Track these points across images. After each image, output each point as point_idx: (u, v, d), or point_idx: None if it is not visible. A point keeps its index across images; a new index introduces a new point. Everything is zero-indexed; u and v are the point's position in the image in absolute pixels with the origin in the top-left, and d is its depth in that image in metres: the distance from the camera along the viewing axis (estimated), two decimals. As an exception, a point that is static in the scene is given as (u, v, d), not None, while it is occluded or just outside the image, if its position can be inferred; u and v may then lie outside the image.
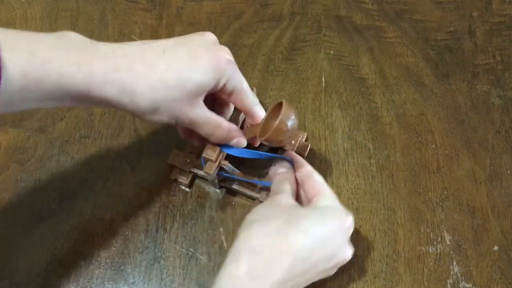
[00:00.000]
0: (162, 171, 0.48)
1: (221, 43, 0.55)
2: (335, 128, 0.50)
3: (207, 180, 0.47)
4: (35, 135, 0.50)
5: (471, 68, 0.54)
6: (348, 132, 0.50)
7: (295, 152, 0.45)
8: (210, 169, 0.42)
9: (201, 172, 0.46)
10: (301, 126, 0.50)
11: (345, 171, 0.48)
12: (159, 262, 0.44)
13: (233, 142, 0.42)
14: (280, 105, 0.40)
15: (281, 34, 0.56)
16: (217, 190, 0.47)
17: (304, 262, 0.36)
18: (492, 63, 0.54)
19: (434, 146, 0.49)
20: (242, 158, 0.44)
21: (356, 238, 0.45)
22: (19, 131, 0.50)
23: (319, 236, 0.36)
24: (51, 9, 0.58)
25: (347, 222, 0.38)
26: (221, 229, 0.46)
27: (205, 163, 0.43)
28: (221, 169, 0.43)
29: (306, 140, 0.49)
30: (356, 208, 0.46)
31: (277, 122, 0.38)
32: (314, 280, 0.38)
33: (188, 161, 0.46)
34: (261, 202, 0.45)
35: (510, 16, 0.57)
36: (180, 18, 0.57)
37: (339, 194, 0.47)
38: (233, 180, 0.46)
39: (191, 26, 0.57)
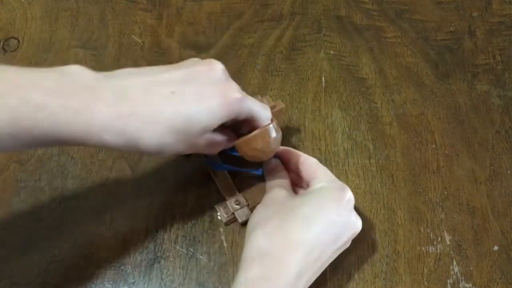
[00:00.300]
0: (162, 171, 0.48)
1: (221, 43, 0.55)
2: (335, 128, 0.50)
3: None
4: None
5: (471, 68, 0.54)
6: (348, 132, 0.50)
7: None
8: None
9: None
10: (301, 126, 0.50)
11: (345, 171, 0.48)
12: (159, 262, 0.44)
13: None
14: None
15: (281, 34, 0.56)
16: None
17: (314, 250, 0.36)
18: (492, 63, 0.54)
19: (434, 146, 0.49)
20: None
21: (356, 238, 0.45)
22: (19, 131, 0.50)
23: (320, 221, 0.36)
24: (51, 9, 0.58)
25: (345, 197, 0.38)
26: (221, 229, 0.46)
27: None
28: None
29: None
30: (356, 208, 0.46)
31: (247, 137, 0.39)
32: (332, 260, 0.39)
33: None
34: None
35: (510, 16, 0.57)
36: (180, 18, 0.57)
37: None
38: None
39: (191, 26, 0.57)
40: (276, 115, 0.45)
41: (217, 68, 0.37)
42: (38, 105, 0.29)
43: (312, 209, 0.37)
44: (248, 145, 0.39)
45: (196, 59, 0.39)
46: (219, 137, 0.38)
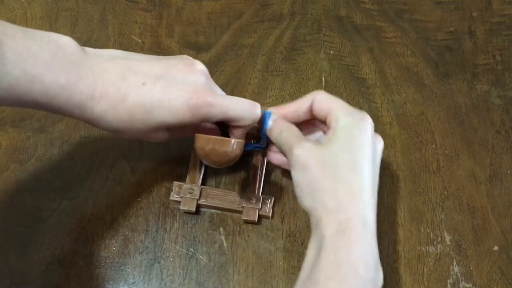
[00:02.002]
0: (162, 171, 0.48)
1: (221, 43, 0.55)
2: (335, 128, 0.50)
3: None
4: (35, 135, 0.50)
5: (471, 68, 0.54)
6: (348, 132, 0.50)
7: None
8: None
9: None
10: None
11: (345, 171, 0.48)
12: (159, 262, 0.44)
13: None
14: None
15: (281, 34, 0.56)
16: None
17: (374, 187, 0.38)
18: (492, 63, 0.54)
19: (434, 146, 0.49)
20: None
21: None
22: (19, 131, 0.50)
23: (365, 160, 0.37)
24: (51, 9, 0.58)
25: (369, 125, 0.39)
26: (221, 229, 0.46)
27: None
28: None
29: None
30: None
31: (208, 136, 0.40)
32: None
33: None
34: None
35: (510, 16, 0.57)
36: (180, 18, 0.57)
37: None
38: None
39: (191, 26, 0.57)
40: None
41: (197, 71, 0.39)
42: (35, 78, 0.33)
43: (351, 154, 0.37)
44: (201, 141, 0.40)
45: (186, 57, 0.41)
46: (181, 133, 0.42)
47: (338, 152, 0.37)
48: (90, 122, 0.37)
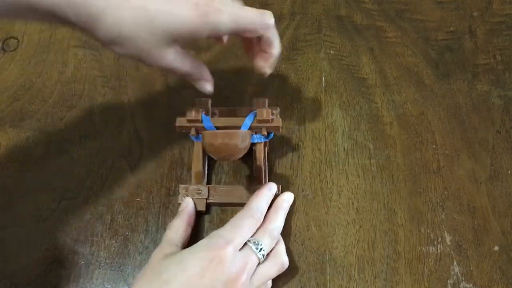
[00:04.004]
0: (162, 171, 0.48)
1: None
2: (335, 128, 0.50)
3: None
4: (35, 135, 0.50)
5: (472, 68, 0.54)
6: (348, 132, 0.50)
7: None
8: (179, 122, 0.43)
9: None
10: (301, 126, 0.50)
11: (345, 171, 0.48)
12: (159, 262, 0.44)
13: (199, 85, 0.41)
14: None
15: (281, 34, 0.56)
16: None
17: None
18: (492, 63, 0.54)
19: (434, 146, 0.49)
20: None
21: (356, 238, 0.45)
22: (19, 131, 0.50)
23: (179, 284, 0.34)
24: (51, 9, 0.58)
25: (218, 255, 0.35)
26: (221, 229, 0.45)
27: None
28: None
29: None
30: (356, 208, 0.46)
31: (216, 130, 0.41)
32: None
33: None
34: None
35: (510, 16, 0.57)
36: (180, 18, 0.57)
37: (339, 194, 0.47)
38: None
39: (191, 26, 0.57)
40: (270, 129, 0.44)
41: None
42: None
43: (175, 272, 0.35)
44: (210, 137, 0.40)
45: None
46: (181, 63, 0.37)
47: (169, 265, 0.36)
48: (90, 26, 0.33)
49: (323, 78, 0.53)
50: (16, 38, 0.56)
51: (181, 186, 0.46)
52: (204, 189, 0.45)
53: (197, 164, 0.46)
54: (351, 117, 0.51)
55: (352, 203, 0.46)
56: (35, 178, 0.48)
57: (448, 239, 0.45)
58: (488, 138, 0.50)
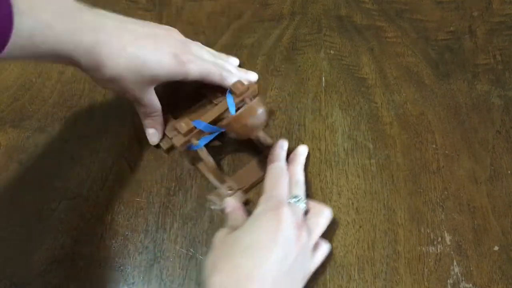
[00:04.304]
0: (162, 171, 0.48)
1: (221, 43, 0.55)
2: (335, 128, 0.50)
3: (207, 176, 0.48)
4: (35, 135, 0.50)
5: (472, 68, 0.54)
6: (348, 132, 0.50)
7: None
8: (177, 141, 0.44)
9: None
10: (301, 126, 0.50)
11: (345, 171, 0.48)
12: (159, 263, 0.44)
13: (148, 131, 0.48)
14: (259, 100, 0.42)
15: (281, 34, 0.56)
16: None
17: (267, 275, 0.35)
18: (492, 63, 0.54)
19: (434, 146, 0.49)
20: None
21: (356, 238, 0.45)
22: (19, 131, 0.50)
23: (261, 246, 0.36)
24: (51, 9, 0.58)
25: (281, 214, 0.38)
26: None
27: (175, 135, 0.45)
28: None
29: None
30: (356, 208, 0.46)
31: (235, 114, 0.41)
32: (301, 274, 0.39)
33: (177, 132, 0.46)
34: (216, 194, 0.46)
35: (510, 16, 0.57)
36: (180, 18, 0.57)
37: (339, 194, 0.47)
38: (202, 163, 0.47)
39: (191, 26, 0.57)
40: (253, 95, 0.46)
41: (174, 33, 0.46)
42: (47, 26, 0.37)
43: (251, 235, 0.37)
44: (238, 122, 0.42)
45: (155, 24, 0.46)
46: (156, 104, 0.46)
47: (239, 235, 0.38)
48: (95, 68, 0.40)
49: (323, 78, 0.53)
50: (16, 38, 0.56)
51: (211, 196, 0.46)
52: (233, 184, 0.46)
53: (211, 165, 0.46)
54: (351, 117, 0.51)
55: (352, 203, 0.46)
56: (35, 178, 0.48)
57: (448, 239, 0.45)
58: (488, 138, 0.50)
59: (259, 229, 0.37)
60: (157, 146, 0.49)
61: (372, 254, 0.44)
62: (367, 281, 0.43)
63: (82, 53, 0.39)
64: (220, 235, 0.40)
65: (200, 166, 0.47)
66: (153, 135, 0.48)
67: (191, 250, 0.45)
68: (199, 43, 0.50)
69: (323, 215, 0.43)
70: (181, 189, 0.47)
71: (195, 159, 0.47)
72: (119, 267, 0.44)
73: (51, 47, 0.38)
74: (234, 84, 0.46)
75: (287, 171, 0.44)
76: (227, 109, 0.45)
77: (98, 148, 0.49)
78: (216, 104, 0.47)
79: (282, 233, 0.37)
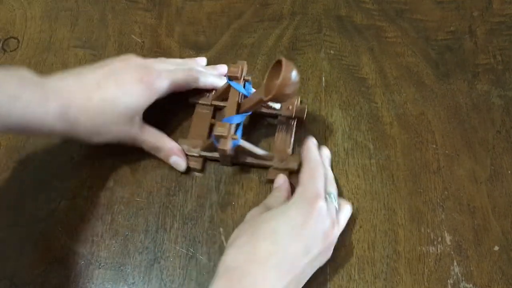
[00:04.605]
0: (162, 171, 0.48)
1: (221, 43, 0.55)
2: (335, 128, 0.50)
3: (217, 161, 0.48)
4: (35, 135, 0.50)
5: (472, 68, 0.54)
6: (348, 132, 0.50)
7: (294, 115, 0.49)
8: (225, 145, 0.43)
9: (211, 154, 0.47)
10: (302, 126, 0.50)
11: (346, 171, 0.48)
12: (159, 263, 0.44)
13: (171, 160, 0.47)
14: (278, 63, 0.41)
15: (281, 34, 0.56)
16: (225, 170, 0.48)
17: (282, 264, 0.36)
18: (492, 63, 0.54)
19: (434, 146, 0.49)
20: (246, 132, 0.47)
21: (356, 238, 0.45)
22: (19, 131, 0.50)
23: (287, 234, 0.37)
24: (51, 9, 0.58)
25: (315, 207, 0.38)
26: (221, 229, 0.45)
27: (218, 141, 0.44)
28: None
29: (301, 103, 0.51)
30: (357, 208, 0.46)
31: (280, 78, 0.39)
32: (310, 272, 0.39)
33: (196, 146, 0.48)
34: (275, 168, 0.47)
35: (510, 16, 0.57)
36: (180, 18, 0.57)
37: (339, 194, 0.47)
38: (244, 154, 0.47)
39: (191, 26, 0.57)
40: (247, 76, 0.48)
41: (131, 59, 0.45)
42: (13, 97, 0.38)
43: (280, 222, 0.37)
44: (281, 92, 0.40)
45: (114, 57, 0.45)
46: (154, 134, 0.46)
47: (269, 218, 0.38)
48: (72, 128, 0.41)
49: (323, 78, 0.53)
50: (16, 38, 0.56)
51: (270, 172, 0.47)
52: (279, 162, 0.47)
53: (256, 151, 0.46)
54: (351, 117, 0.51)
55: (352, 203, 0.46)
56: (35, 178, 0.48)
57: (448, 239, 0.45)
58: (488, 138, 0.50)
59: (289, 218, 0.38)
60: (188, 170, 0.48)
61: (372, 254, 0.44)
62: (367, 281, 0.43)
63: (53, 118, 0.40)
64: (254, 212, 0.41)
65: (243, 160, 0.47)
66: (178, 163, 0.47)
67: (191, 250, 0.45)
68: (162, 58, 0.50)
69: (346, 211, 0.43)
70: (181, 189, 0.47)
71: (235, 157, 0.47)
72: (119, 267, 0.44)
73: (20, 117, 0.38)
74: (229, 69, 0.46)
75: (323, 165, 0.43)
76: (239, 95, 0.46)
77: (98, 148, 0.49)
78: (213, 105, 0.49)
79: (310, 227, 0.38)
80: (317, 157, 0.44)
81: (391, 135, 0.50)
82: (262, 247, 0.36)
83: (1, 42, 0.56)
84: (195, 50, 0.55)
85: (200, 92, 0.50)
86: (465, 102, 0.52)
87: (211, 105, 0.50)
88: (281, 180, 0.45)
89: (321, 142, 0.49)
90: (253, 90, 0.47)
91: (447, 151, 0.49)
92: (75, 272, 0.44)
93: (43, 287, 0.43)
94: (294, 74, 0.40)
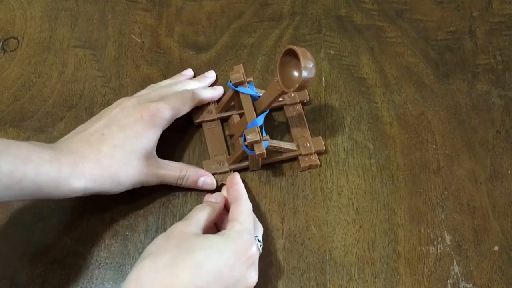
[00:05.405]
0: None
1: (221, 43, 0.55)
2: (335, 128, 0.50)
3: (245, 170, 0.48)
4: (35, 135, 0.50)
5: (472, 68, 0.54)
6: (348, 132, 0.50)
7: (298, 100, 0.50)
8: (261, 149, 0.43)
9: (240, 164, 0.47)
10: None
11: (345, 171, 0.48)
12: (159, 262, 0.44)
13: (200, 183, 0.46)
14: (288, 52, 0.41)
15: (281, 34, 0.56)
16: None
17: None
18: (492, 63, 0.54)
19: (434, 146, 0.49)
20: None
21: (356, 238, 0.45)
22: (19, 131, 0.50)
23: (212, 271, 0.35)
24: (51, 9, 0.58)
25: (248, 252, 0.38)
26: (221, 229, 0.45)
27: (250, 148, 0.43)
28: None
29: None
30: (356, 208, 0.46)
31: (302, 68, 0.39)
32: None
33: (221, 161, 0.47)
34: (305, 155, 0.47)
35: (510, 16, 0.57)
36: (180, 18, 0.57)
37: (339, 194, 0.47)
38: (271, 152, 0.46)
39: (191, 26, 0.57)
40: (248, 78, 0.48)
41: (124, 102, 0.45)
42: (26, 159, 0.37)
43: (209, 257, 0.35)
44: (303, 87, 0.41)
45: (108, 107, 0.46)
46: (172, 165, 0.46)
47: (198, 246, 0.36)
48: (91, 185, 0.40)
49: (323, 78, 0.53)
50: (16, 38, 0.56)
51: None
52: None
53: (284, 145, 0.47)
54: (351, 117, 0.51)
55: (352, 203, 0.46)
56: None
57: (448, 239, 0.45)
58: (488, 138, 0.50)
59: (221, 256, 0.36)
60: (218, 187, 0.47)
61: (372, 254, 0.44)
62: (367, 281, 0.43)
63: (68, 176, 0.39)
64: (187, 231, 0.38)
65: (270, 158, 0.47)
66: (207, 182, 0.46)
67: (191, 250, 0.44)
68: (152, 86, 0.50)
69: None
70: (181, 189, 0.47)
71: (266, 157, 0.45)
72: (119, 267, 0.44)
73: (34, 179, 0.37)
74: (231, 77, 0.46)
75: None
76: (251, 97, 0.46)
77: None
78: (219, 118, 0.49)
79: (237, 272, 0.37)
80: (246, 193, 0.43)
81: (391, 135, 0.50)
82: (183, 277, 0.34)
83: (1, 42, 0.55)
84: (195, 50, 0.55)
85: (200, 111, 0.49)
86: (465, 102, 0.52)
87: (218, 119, 0.50)
88: (218, 196, 0.44)
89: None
90: (257, 90, 0.47)
91: (447, 151, 0.49)
92: (75, 272, 0.43)
93: (43, 287, 0.43)
94: (311, 60, 0.40)
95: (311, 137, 0.49)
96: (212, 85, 0.52)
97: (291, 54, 0.41)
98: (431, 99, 0.52)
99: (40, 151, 0.39)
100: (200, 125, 0.50)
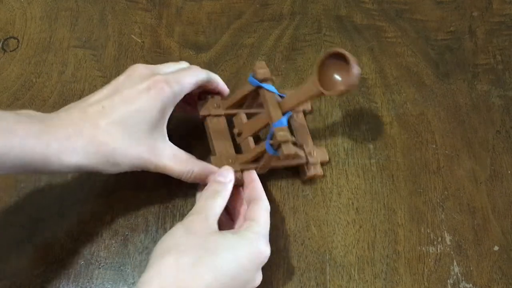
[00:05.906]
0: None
1: (221, 43, 0.55)
2: (335, 128, 0.50)
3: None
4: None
5: (472, 68, 0.54)
6: (348, 132, 0.50)
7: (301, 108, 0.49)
8: (291, 149, 0.40)
9: (249, 165, 0.44)
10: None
11: (345, 171, 0.48)
12: (159, 262, 0.44)
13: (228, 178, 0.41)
14: (333, 55, 0.39)
15: (281, 34, 0.56)
16: None
17: None
18: (492, 63, 0.54)
19: (434, 146, 0.49)
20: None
21: (356, 238, 0.45)
22: (19, 131, 0.50)
23: (230, 272, 0.35)
24: (51, 9, 0.58)
25: (263, 255, 0.37)
26: (221, 229, 0.45)
27: (276, 147, 0.41)
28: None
29: None
30: (356, 208, 0.46)
31: (352, 75, 0.38)
32: None
33: (229, 159, 0.44)
34: (312, 164, 0.46)
35: (510, 16, 0.57)
36: (180, 18, 0.57)
37: (339, 194, 0.47)
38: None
39: (191, 26, 0.57)
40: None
41: (135, 69, 0.41)
42: (9, 131, 0.34)
43: (228, 257, 0.35)
44: (351, 88, 0.39)
45: (116, 79, 0.41)
46: (181, 153, 0.42)
47: (223, 248, 0.36)
48: (84, 163, 0.37)
49: (323, 78, 0.53)
50: (16, 38, 0.56)
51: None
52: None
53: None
54: (351, 117, 0.51)
55: (352, 203, 0.46)
56: (35, 178, 0.48)
57: (448, 239, 0.45)
58: (488, 138, 0.50)
59: (236, 258, 0.36)
60: None
61: (372, 254, 0.44)
62: (367, 281, 0.43)
63: (57, 152, 0.36)
64: (204, 228, 0.37)
65: (278, 163, 0.46)
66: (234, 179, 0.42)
67: (191, 250, 0.44)
68: (168, 63, 0.45)
69: None
70: (181, 189, 0.47)
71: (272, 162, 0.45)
72: (119, 267, 0.44)
73: (19, 154, 0.35)
74: (257, 72, 0.43)
75: None
76: (274, 95, 0.43)
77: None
78: (225, 114, 0.46)
79: (248, 274, 0.37)
80: (264, 192, 0.42)
81: (391, 135, 0.50)
82: (206, 279, 0.34)
83: (1, 42, 0.55)
84: (195, 50, 0.55)
85: (206, 104, 0.46)
86: (465, 102, 0.52)
87: (224, 115, 0.46)
88: (227, 174, 0.41)
89: (321, 142, 0.49)
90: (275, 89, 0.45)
91: (447, 151, 0.49)
92: (75, 272, 0.44)
93: (43, 287, 0.43)
94: (359, 69, 0.38)
95: (315, 146, 0.48)
96: None
97: (334, 57, 0.39)
98: (431, 99, 0.52)
99: (27, 123, 0.35)
100: (201, 121, 0.48)
